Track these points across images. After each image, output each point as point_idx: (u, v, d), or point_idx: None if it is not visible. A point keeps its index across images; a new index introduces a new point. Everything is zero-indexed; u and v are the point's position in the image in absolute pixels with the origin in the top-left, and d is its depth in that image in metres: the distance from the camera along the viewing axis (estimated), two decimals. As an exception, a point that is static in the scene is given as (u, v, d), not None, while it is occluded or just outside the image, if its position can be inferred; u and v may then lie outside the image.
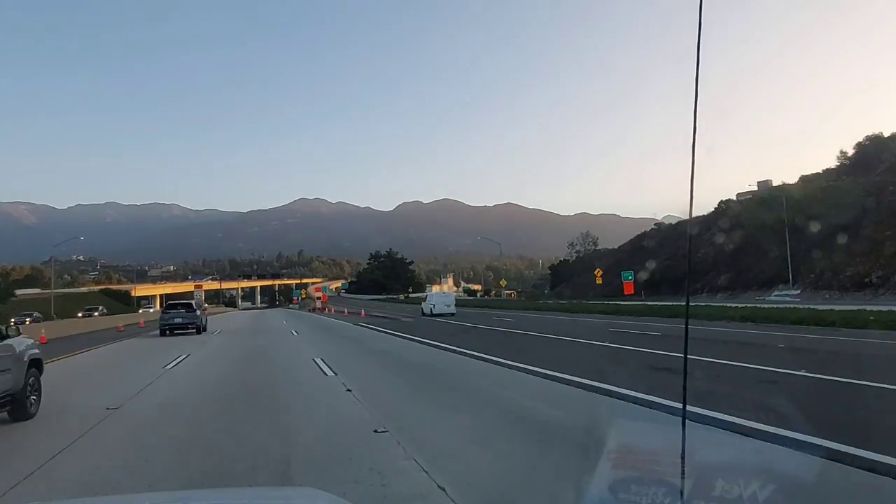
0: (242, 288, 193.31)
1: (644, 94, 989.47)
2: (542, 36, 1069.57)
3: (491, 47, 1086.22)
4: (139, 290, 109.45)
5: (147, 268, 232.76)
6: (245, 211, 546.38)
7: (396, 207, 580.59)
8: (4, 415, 7.11)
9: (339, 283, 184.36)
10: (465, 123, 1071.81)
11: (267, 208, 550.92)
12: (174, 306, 29.14)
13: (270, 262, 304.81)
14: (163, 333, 26.63)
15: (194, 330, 27.34)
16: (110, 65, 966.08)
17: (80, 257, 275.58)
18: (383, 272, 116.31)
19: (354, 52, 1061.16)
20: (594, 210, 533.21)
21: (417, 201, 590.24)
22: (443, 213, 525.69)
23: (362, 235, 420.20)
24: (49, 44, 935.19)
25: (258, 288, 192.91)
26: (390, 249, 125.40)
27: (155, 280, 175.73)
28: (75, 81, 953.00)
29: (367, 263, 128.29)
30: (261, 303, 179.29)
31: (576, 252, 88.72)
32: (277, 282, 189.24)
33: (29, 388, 7.44)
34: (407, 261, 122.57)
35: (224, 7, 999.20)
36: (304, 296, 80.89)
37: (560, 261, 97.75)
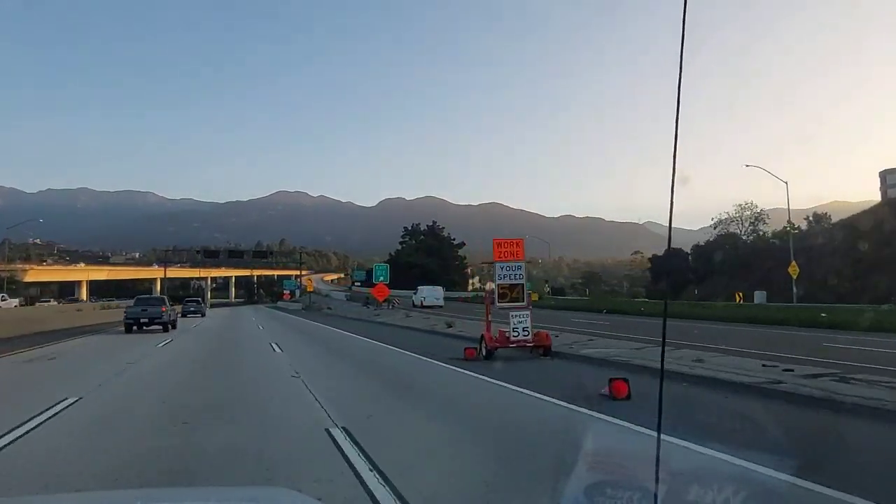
0: (214, 279, 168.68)
1: (631, 100, 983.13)
2: (531, 39, 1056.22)
3: (477, 47, 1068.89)
4: (37, 275, 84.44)
5: (110, 254, 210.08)
6: (223, 202, 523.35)
7: (379, 203, 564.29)
8: None
9: (334, 276, 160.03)
10: (450, 122, 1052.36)
11: (246, 200, 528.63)
12: (144, 301, 27.92)
13: (248, 252, 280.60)
14: (128, 330, 25.17)
15: (159, 327, 25.69)
16: (87, 44, 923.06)
17: (38, 241, 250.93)
18: (426, 253, 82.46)
19: (340, 45, 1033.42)
20: (578, 213, 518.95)
21: (400, 198, 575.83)
22: (426, 211, 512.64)
23: (344, 230, 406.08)
24: (23, 17, 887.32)
25: (232, 279, 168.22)
26: (434, 222, 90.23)
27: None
28: (50, 57, 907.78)
29: (401, 243, 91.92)
30: (236, 297, 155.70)
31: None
32: (258, 272, 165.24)
33: None
34: (454, 240, 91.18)
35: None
36: (310, 288, 57.28)
37: (694, 249, 74.18)
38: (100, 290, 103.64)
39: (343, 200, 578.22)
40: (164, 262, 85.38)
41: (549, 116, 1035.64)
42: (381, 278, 39.62)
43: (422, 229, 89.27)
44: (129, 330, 24.83)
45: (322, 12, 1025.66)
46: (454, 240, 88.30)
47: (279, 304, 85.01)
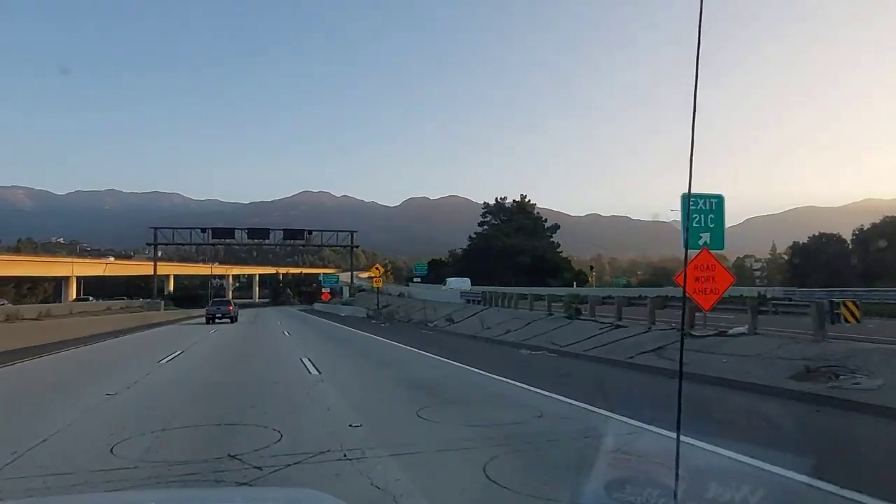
0: (236, 277, 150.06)
1: (655, 97, 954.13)
2: (553, 39, 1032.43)
3: (501, 46, 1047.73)
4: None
5: (132, 253, 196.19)
6: (247, 202, 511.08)
7: (402, 203, 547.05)
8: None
9: (367, 274, 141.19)
10: (474, 121, 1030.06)
11: (270, 200, 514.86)
12: (218, 302, 38.88)
13: (273, 249, 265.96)
14: (208, 322, 32.98)
15: (228, 320, 33.35)
16: (112, 53, 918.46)
17: (62, 240, 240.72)
18: (519, 235, 61.48)
19: (363, 46, 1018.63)
20: (605, 211, 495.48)
21: (424, 197, 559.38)
22: (450, 210, 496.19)
23: (368, 230, 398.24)
24: (52, 30, 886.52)
25: (256, 277, 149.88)
26: (523, 196, 68.60)
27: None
28: (75, 68, 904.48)
29: (482, 225, 70.29)
30: (260, 297, 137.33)
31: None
32: (284, 269, 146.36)
33: None
34: (543, 220, 69.65)
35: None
36: (378, 283, 36.16)
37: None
38: (98, 289, 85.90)
39: (366, 200, 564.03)
40: (156, 257, 67.63)
41: (572, 115, 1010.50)
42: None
43: (508, 205, 68.65)
44: (208, 322, 33.07)
45: (343, 13, 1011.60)
46: (545, 220, 67.53)
47: (315, 306, 66.11)
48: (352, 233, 55.47)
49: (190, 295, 69.14)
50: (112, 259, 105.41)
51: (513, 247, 57.02)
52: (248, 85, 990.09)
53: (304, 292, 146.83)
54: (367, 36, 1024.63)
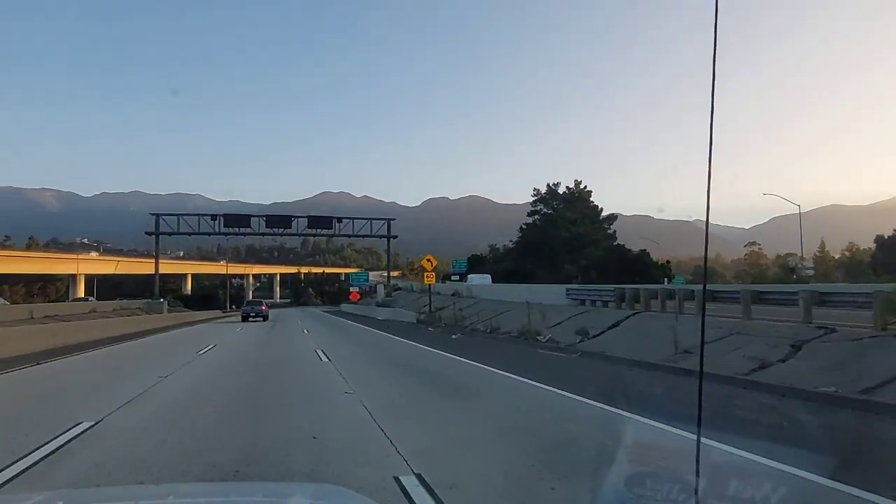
0: (256, 276, 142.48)
1: (676, 97, 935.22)
2: (573, 39, 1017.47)
3: (519, 47, 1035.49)
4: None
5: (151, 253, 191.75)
6: (268, 203, 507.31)
7: (422, 203, 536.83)
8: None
9: (393, 273, 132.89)
10: (494, 121, 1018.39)
11: (290, 200, 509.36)
12: (250, 303, 43.04)
13: (294, 250, 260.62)
14: (244, 319, 36.12)
15: (262, 318, 35.84)
16: (135, 55, 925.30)
17: (86, 240, 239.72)
18: (569, 226, 51.50)
19: (383, 46, 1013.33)
20: (626, 211, 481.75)
21: (444, 197, 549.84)
22: (470, 210, 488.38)
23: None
24: (74, 31, 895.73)
25: (277, 277, 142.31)
26: (578, 182, 57.28)
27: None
28: (102, 71, 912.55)
29: (532, 215, 58.37)
30: (281, 298, 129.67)
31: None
32: (306, 269, 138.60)
33: None
34: (599, 209, 56.82)
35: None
36: (430, 279, 27.93)
37: None
38: (112, 289, 78.48)
39: (386, 200, 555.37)
40: (157, 249, 59.41)
41: (590, 115, 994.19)
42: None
43: (561, 192, 58.78)
44: (244, 319, 35.96)
45: (364, 12, 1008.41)
46: (601, 209, 57.55)
47: (343, 307, 57.40)
48: (388, 221, 46.11)
49: (205, 295, 61.03)
50: (120, 257, 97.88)
51: (580, 237, 47.38)
52: (269, 86, 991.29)
53: (326, 292, 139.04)
54: (386, 35, 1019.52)
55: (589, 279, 41.39)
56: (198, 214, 41.25)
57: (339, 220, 44.15)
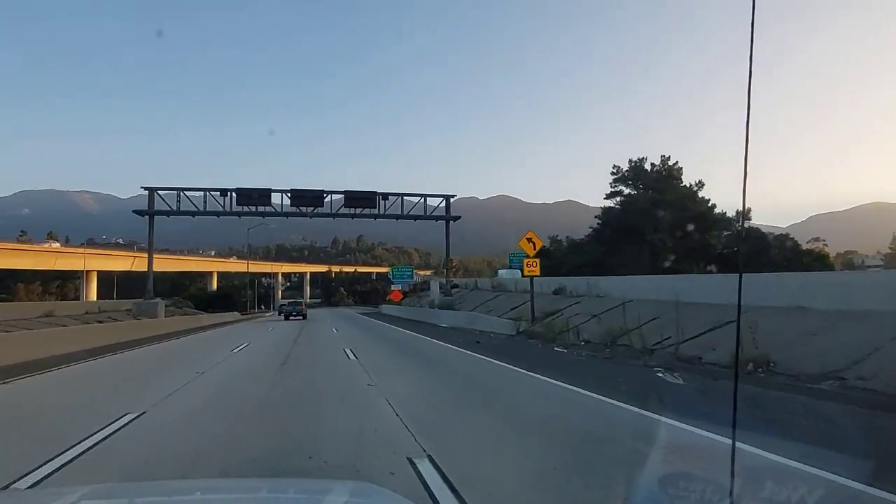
0: (286, 276, 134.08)
1: (707, 93, 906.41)
2: (602, 36, 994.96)
3: (549, 46, 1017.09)
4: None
5: (186, 252, 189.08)
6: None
7: (452, 202, 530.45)
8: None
9: (426, 272, 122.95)
10: (523, 120, 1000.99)
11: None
12: (291, 303, 44.23)
13: (325, 249, 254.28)
14: (286, 318, 38.47)
15: (301, 317, 38.42)
16: (170, 58, 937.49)
17: (120, 240, 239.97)
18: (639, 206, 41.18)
19: (410, 46, 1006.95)
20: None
21: (473, 197, 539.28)
22: (500, 210, 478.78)
23: (416, 230, 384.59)
24: (114, 41, 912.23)
25: (307, 276, 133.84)
26: (665, 158, 45.32)
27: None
28: (141, 78, 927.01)
29: (611, 197, 46.59)
30: (311, 297, 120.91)
31: None
32: (336, 267, 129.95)
33: None
34: (695, 189, 44.07)
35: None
36: (534, 270, 18.51)
37: None
38: (126, 287, 70.31)
39: (415, 200, 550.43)
40: (151, 233, 50.45)
41: (621, 113, 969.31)
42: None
43: (647, 167, 47.11)
44: (286, 318, 38.45)
45: (390, 12, 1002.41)
46: (699, 186, 45.34)
47: (383, 308, 47.49)
48: (447, 198, 34.84)
49: (223, 294, 51.76)
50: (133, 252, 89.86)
51: (682, 223, 36.06)
52: (296, 89, 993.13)
53: (358, 291, 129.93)
54: (413, 35, 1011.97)
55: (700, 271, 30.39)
56: (204, 189, 31.16)
57: (385, 196, 33.36)
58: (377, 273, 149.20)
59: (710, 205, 43.97)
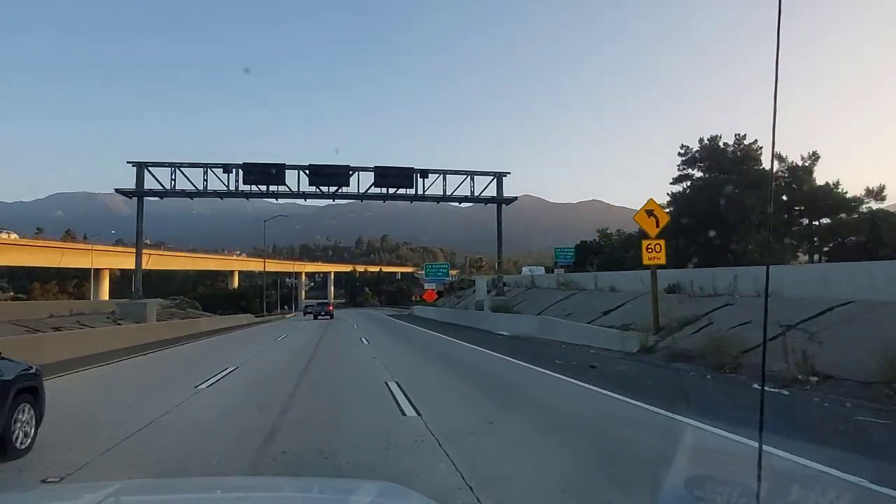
0: (310, 275, 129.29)
1: (739, 87, 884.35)
2: (630, 34, 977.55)
3: (574, 45, 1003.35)
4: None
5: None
6: (323, 205, 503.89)
7: (474, 203, 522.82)
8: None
9: (454, 272, 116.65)
10: (547, 119, 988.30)
11: (345, 202, 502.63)
12: (320, 304, 50.06)
13: (349, 249, 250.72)
14: (315, 317, 41.55)
15: (329, 317, 41.38)
16: (200, 62, 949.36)
17: (148, 240, 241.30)
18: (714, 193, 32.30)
19: (440, 44, 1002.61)
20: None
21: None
22: (523, 210, 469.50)
23: (440, 230, 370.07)
24: (144, 46, 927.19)
25: (331, 275, 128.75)
26: (739, 137, 37.43)
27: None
28: (167, 82, 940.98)
29: (679, 181, 38.75)
30: (335, 298, 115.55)
31: None
32: (362, 267, 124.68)
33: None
34: (780, 170, 33.58)
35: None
36: (653, 255, 13.51)
37: None
38: (148, 286, 65.42)
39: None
40: (140, 218, 45.48)
41: (644, 110, 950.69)
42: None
43: (721, 144, 39.48)
44: (315, 317, 41.48)
45: (421, 12, 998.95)
46: (786, 165, 37.55)
47: (415, 310, 41.54)
48: (499, 176, 27.71)
49: (236, 293, 46.27)
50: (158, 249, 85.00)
51: (787, 206, 28.88)
52: (320, 88, 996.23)
53: (383, 291, 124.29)
54: (444, 35, 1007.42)
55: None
56: (204, 165, 24.93)
57: (424, 173, 26.61)
58: (402, 273, 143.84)
59: (826, 185, 36.41)
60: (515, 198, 28.25)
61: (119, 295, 78.54)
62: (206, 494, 2.16)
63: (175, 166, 24.83)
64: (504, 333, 20.36)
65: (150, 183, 24.49)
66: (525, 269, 47.34)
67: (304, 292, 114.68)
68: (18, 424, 5.19)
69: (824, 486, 3.98)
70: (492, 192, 27.78)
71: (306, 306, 65.99)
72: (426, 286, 42.42)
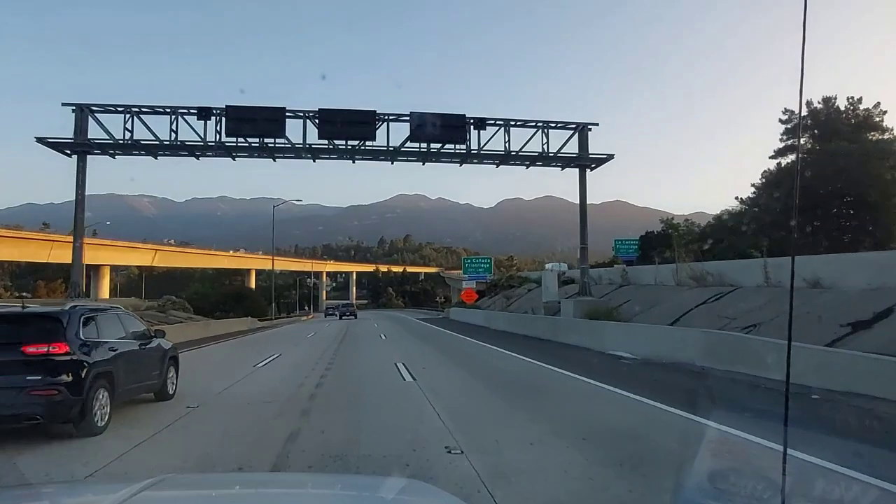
0: (331, 275, 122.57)
1: (775, 85, 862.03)
2: (664, 31, 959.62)
3: (606, 43, 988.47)
4: None
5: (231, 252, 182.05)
6: (345, 206, 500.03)
7: (497, 204, 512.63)
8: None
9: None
10: (574, 115, 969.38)
11: (367, 203, 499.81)
12: (345, 305, 57.12)
13: (371, 249, 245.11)
14: (340, 317, 46.10)
15: (353, 317, 45.79)
16: (226, 68, 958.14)
17: (171, 241, 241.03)
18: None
19: (456, 48, 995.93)
20: (711, 209, 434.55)
21: (519, 198, 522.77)
22: (546, 212, 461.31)
23: (463, 231, 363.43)
24: (167, 44, 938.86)
25: (353, 275, 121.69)
26: (853, 101, 29.30)
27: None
28: (198, 90, 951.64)
29: (781, 155, 30.19)
30: (358, 299, 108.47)
31: None
32: (385, 266, 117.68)
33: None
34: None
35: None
36: None
37: None
38: (156, 286, 59.26)
39: (461, 202, 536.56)
40: (80, 186, 38.68)
41: (665, 102, 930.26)
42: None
43: (835, 108, 30.38)
44: (340, 318, 45.79)
45: (442, 11, 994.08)
46: None
47: (451, 313, 33.95)
48: (581, 127, 19.31)
49: (236, 294, 38.89)
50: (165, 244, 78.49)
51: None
52: (352, 90, 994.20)
53: (408, 292, 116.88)
54: (469, 35, 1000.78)
55: None
56: (173, 110, 16.91)
57: (481, 124, 17.88)
58: (425, 273, 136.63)
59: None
60: (607, 157, 19.93)
61: (133, 293, 72.57)
62: (230, 491, 2.18)
63: (131, 111, 17.07)
64: (624, 355, 12.36)
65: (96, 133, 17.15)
66: (549, 266, 44.66)
67: (325, 293, 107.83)
68: (170, 378, 8.32)
69: None
70: (572, 149, 19.67)
71: (327, 308, 66.75)
72: (464, 285, 34.59)
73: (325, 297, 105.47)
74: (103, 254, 50.98)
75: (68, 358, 5.70)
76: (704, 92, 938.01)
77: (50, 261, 46.66)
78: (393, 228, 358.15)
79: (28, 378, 5.44)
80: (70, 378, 5.64)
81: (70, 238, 19.72)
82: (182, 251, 74.17)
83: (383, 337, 20.56)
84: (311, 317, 63.58)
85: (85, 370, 5.81)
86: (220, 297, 36.07)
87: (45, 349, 5.61)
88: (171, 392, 8.06)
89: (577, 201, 22.06)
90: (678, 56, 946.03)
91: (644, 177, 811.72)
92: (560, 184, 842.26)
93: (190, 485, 2.31)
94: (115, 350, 6.52)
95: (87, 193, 17.83)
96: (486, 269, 35.42)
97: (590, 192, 21.83)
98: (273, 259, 49.28)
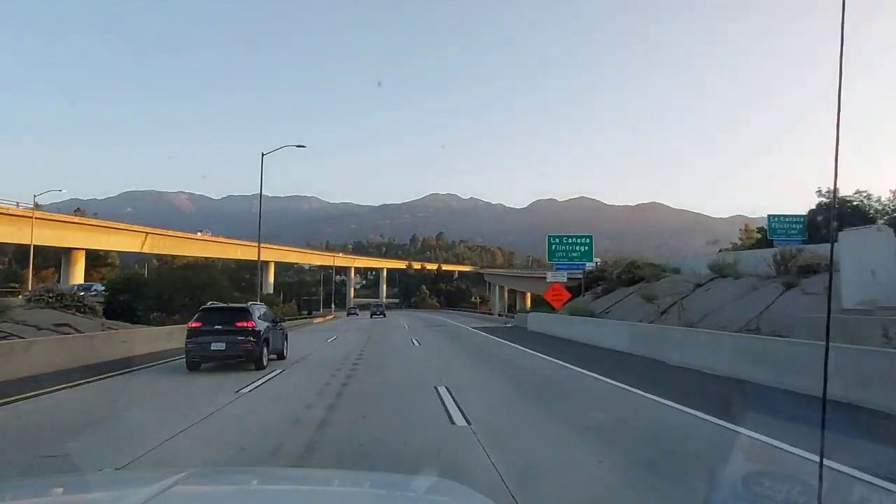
0: (362, 272, 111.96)
1: (796, 89, 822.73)
2: (684, 32, 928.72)
3: (628, 43, 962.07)
4: None
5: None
6: (378, 205, 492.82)
7: (530, 204, 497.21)
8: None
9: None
10: (604, 119, 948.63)
11: (399, 202, 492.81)
12: (377, 306, 59.75)
13: (403, 247, 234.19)
14: (371, 316, 51.39)
15: (382, 315, 51.96)
16: (266, 70, 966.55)
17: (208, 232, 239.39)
18: None
19: (489, 46, 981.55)
20: (752, 213, 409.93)
21: (552, 199, 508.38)
22: (579, 212, 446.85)
23: (495, 231, 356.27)
24: (203, 54, 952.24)
25: (384, 272, 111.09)
26: None
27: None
28: (233, 92, 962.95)
29: None
30: (388, 297, 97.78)
31: None
32: (418, 263, 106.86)
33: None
34: None
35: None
36: None
37: None
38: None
39: (493, 202, 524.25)
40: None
41: (702, 112, 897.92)
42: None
43: None
44: (371, 316, 50.86)
45: (468, 14, 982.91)
46: None
47: (531, 320, 22.08)
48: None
49: (208, 284, 26.90)
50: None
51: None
52: (379, 93, 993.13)
53: (442, 291, 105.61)
54: (492, 36, 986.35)
55: None
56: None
57: None
58: (459, 272, 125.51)
59: None
60: None
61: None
62: (258, 486, 2.19)
63: None
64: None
65: None
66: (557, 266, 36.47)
67: (352, 290, 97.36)
68: (286, 347, 14.90)
69: None
70: None
71: (349, 308, 65.39)
72: (550, 278, 23.04)
73: (352, 295, 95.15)
74: (75, 234, 40.86)
75: (254, 328, 12.51)
76: (748, 101, 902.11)
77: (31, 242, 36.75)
78: (425, 227, 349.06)
79: (238, 338, 12.21)
80: (255, 339, 12.34)
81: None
82: (181, 236, 63.52)
83: (455, 416, 9.11)
84: (328, 318, 52.57)
85: (261, 335, 12.55)
86: (175, 286, 23.79)
87: (244, 324, 12.46)
88: (285, 355, 14.66)
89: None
90: (726, 67, 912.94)
91: (682, 180, 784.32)
92: (593, 183, 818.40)
93: (217, 480, 2.28)
94: (268, 327, 13.28)
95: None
96: (584, 254, 23.41)
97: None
98: (259, 246, 36.17)
